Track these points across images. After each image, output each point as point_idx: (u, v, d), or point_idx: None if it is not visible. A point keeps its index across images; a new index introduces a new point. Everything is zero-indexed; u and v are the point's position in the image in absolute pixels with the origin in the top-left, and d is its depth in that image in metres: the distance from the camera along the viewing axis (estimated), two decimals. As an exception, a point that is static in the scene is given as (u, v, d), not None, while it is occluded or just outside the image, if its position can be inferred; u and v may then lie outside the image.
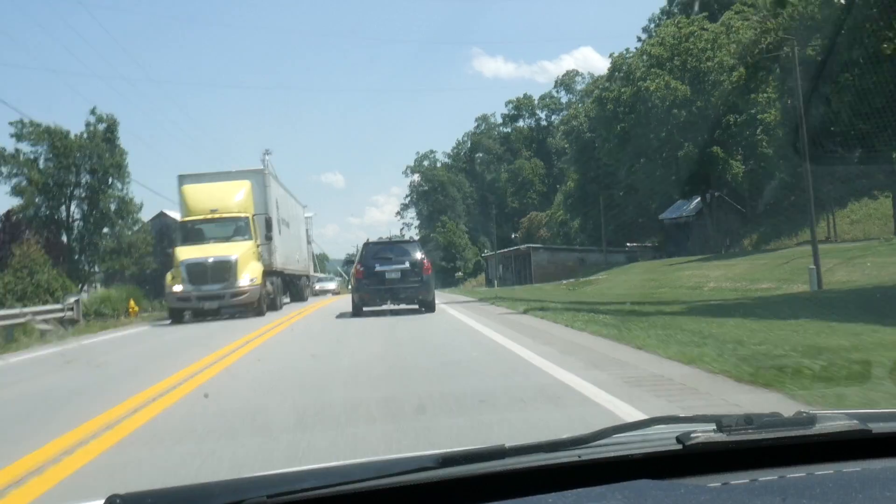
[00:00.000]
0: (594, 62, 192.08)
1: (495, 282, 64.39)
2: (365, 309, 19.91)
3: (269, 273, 24.95)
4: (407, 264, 19.89)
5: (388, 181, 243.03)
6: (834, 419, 1.85)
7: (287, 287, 31.47)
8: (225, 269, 22.51)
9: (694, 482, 1.65)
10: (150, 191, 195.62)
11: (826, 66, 34.58)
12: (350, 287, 27.31)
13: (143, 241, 53.99)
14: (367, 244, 21.98)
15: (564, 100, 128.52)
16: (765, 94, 53.11)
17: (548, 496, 1.50)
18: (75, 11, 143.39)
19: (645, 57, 60.80)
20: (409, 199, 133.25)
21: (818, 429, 1.81)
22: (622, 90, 60.27)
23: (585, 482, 1.58)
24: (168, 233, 54.12)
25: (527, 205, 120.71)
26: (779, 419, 1.89)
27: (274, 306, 25.41)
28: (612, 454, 1.74)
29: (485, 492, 1.56)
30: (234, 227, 24.43)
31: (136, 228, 54.59)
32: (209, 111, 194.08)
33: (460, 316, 17.08)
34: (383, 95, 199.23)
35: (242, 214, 24.70)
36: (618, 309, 16.36)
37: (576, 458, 1.69)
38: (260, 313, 22.99)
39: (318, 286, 56.19)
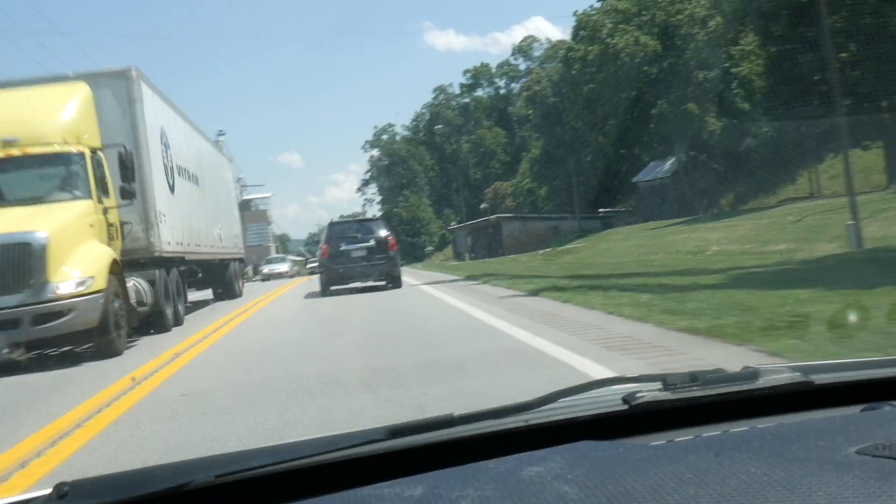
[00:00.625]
0: (546, 31, 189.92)
1: (466, 255, 61.35)
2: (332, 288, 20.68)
3: (135, 265, 14.14)
4: (372, 242, 20.30)
5: (346, 159, 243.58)
6: (777, 372, 1.87)
7: (205, 280, 22.66)
8: (19, 264, 10.91)
9: (637, 441, 1.65)
10: None
11: (813, 7, 31.78)
12: (316, 267, 27.04)
13: None
14: (331, 224, 22.78)
15: (523, 67, 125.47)
16: (738, 46, 50.55)
17: (489, 462, 1.48)
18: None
19: (611, 13, 57.89)
20: (369, 174, 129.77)
21: (761, 383, 1.82)
22: (588, 49, 57.34)
23: (533, 447, 1.55)
24: None
25: (490, 175, 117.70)
26: (723, 375, 1.90)
27: (162, 324, 14.56)
28: (558, 417, 1.74)
29: (434, 461, 1.52)
30: (47, 175, 12.48)
31: None
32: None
33: (459, 304, 13.27)
34: (337, 73, 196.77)
35: (67, 148, 12.42)
36: (641, 283, 13.50)
37: (522, 423, 1.69)
38: (112, 350, 11.41)
39: (266, 269, 51.64)
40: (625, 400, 1.75)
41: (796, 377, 1.85)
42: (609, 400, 1.80)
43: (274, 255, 64.17)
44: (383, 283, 20.99)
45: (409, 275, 31.04)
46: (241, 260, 26.86)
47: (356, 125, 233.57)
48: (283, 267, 54.40)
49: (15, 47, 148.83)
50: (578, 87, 59.89)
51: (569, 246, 49.13)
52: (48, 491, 1.42)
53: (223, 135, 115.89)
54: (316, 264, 69.91)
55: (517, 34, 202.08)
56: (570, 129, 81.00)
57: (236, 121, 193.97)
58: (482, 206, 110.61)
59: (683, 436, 1.67)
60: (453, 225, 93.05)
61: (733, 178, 61.35)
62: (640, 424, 1.75)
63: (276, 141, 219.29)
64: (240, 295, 25.09)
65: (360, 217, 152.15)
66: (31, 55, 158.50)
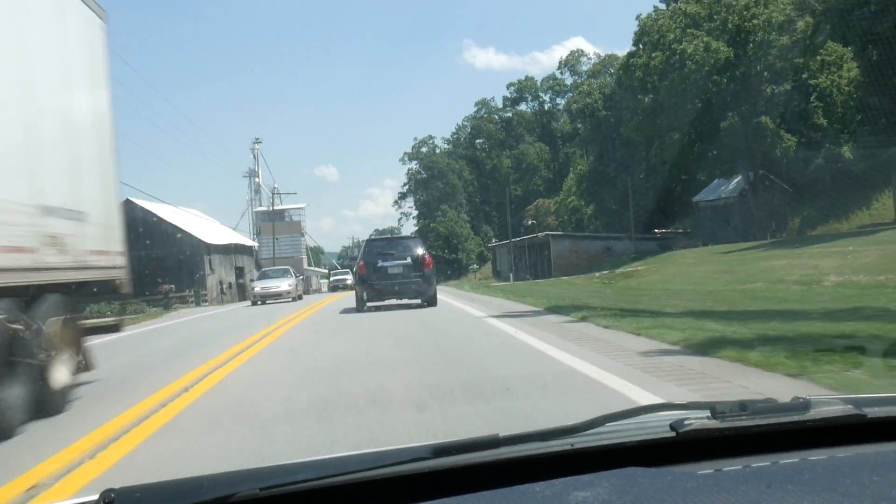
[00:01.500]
0: (586, 52, 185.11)
1: (510, 275, 56.54)
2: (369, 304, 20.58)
3: None
4: (409, 259, 20.33)
5: (382, 173, 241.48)
6: (829, 404, 1.81)
7: None
8: None
9: (685, 469, 1.63)
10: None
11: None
12: (353, 283, 25.87)
13: None
14: (369, 240, 23.39)
15: (569, 81, 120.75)
16: (819, 56, 45.46)
17: (536, 485, 1.47)
18: None
19: (678, 17, 52.99)
20: (406, 187, 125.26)
21: (813, 414, 1.77)
22: (652, 56, 52.45)
23: (578, 471, 1.55)
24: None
25: (531, 192, 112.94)
26: (773, 405, 1.85)
27: None
28: (605, 442, 1.72)
29: (478, 481, 1.53)
30: None
31: None
32: (199, 106, 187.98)
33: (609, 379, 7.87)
34: (376, 88, 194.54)
35: None
36: (855, 332, 8.72)
37: (568, 447, 1.67)
38: None
39: (258, 287, 38.94)
40: (672, 427, 1.70)
41: (849, 409, 1.78)
42: (656, 426, 1.75)
43: (273, 266, 48.91)
44: (418, 301, 20.94)
45: (456, 297, 26.44)
46: (115, 289, 9.82)
47: (393, 141, 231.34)
48: (282, 285, 38.59)
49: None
50: (638, 96, 55.01)
51: (626, 268, 44.13)
52: (95, 497, 1.40)
53: (259, 142, 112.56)
54: (339, 278, 60.17)
55: (557, 54, 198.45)
56: (622, 144, 76.09)
57: (273, 132, 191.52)
58: (524, 223, 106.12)
59: (732, 465, 1.63)
60: (493, 242, 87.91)
61: (801, 200, 56.13)
62: (687, 452, 1.71)
63: (312, 154, 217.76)
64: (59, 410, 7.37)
65: (397, 234, 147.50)
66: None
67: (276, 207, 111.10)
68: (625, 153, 75.34)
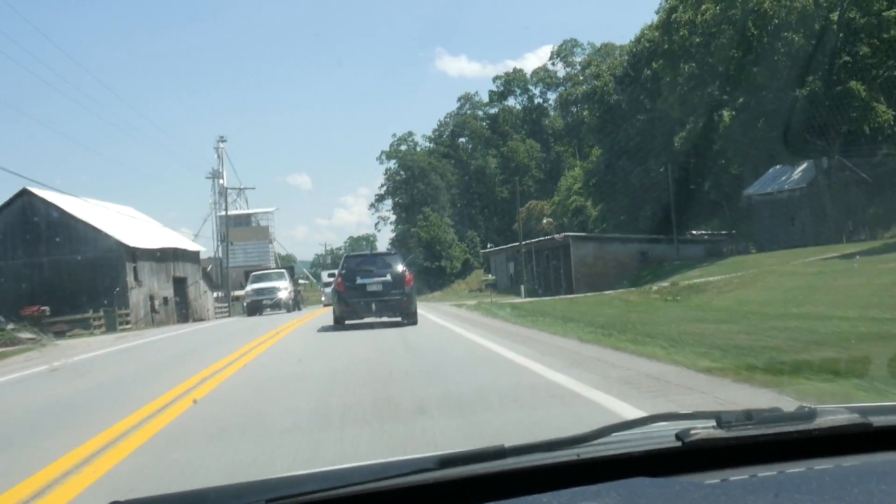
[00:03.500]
0: (580, 42, 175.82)
1: (521, 288, 44.35)
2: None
3: None
4: (388, 276, 19.73)
5: (355, 182, 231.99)
6: (835, 413, 1.79)
7: None
8: None
9: (691, 479, 1.61)
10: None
11: None
12: (331, 300, 23.82)
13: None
14: (347, 256, 23.03)
15: (562, 74, 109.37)
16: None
17: (543, 496, 1.46)
18: None
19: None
20: (384, 189, 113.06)
21: (818, 423, 1.74)
22: (703, 8, 40.88)
23: (585, 481, 1.54)
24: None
25: (521, 194, 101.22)
26: (779, 414, 1.82)
27: None
28: (611, 452, 1.70)
29: (485, 492, 1.52)
30: None
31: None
32: (167, 112, 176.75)
33: None
34: (348, 97, 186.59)
35: None
36: None
37: (574, 457, 1.65)
38: None
39: (251, 289, 35.38)
40: (678, 437, 1.68)
41: (854, 419, 1.76)
42: (661, 436, 1.74)
43: (268, 270, 43.79)
44: (398, 319, 19.48)
45: (466, 325, 15.49)
46: None
47: (364, 149, 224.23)
48: (279, 290, 34.63)
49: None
50: (679, 62, 43.47)
51: (688, 279, 32.41)
52: None
53: (224, 141, 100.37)
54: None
55: (530, 63, 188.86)
56: (638, 134, 64.58)
57: (245, 140, 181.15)
58: (513, 227, 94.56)
59: (738, 475, 1.61)
60: (490, 247, 75.83)
61: (878, 194, 44.70)
62: (693, 462, 1.69)
63: (285, 162, 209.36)
64: None
65: (373, 245, 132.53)
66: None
67: (242, 212, 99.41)
68: (639, 144, 63.90)
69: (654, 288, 30.33)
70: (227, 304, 56.35)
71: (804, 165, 42.70)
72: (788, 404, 4.81)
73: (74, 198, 39.69)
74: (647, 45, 63.67)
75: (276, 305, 33.81)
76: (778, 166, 44.11)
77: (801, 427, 1.73)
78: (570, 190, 79.97)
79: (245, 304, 35.40)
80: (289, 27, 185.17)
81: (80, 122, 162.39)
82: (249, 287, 36.18)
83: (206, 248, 59.40)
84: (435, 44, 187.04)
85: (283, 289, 34.89)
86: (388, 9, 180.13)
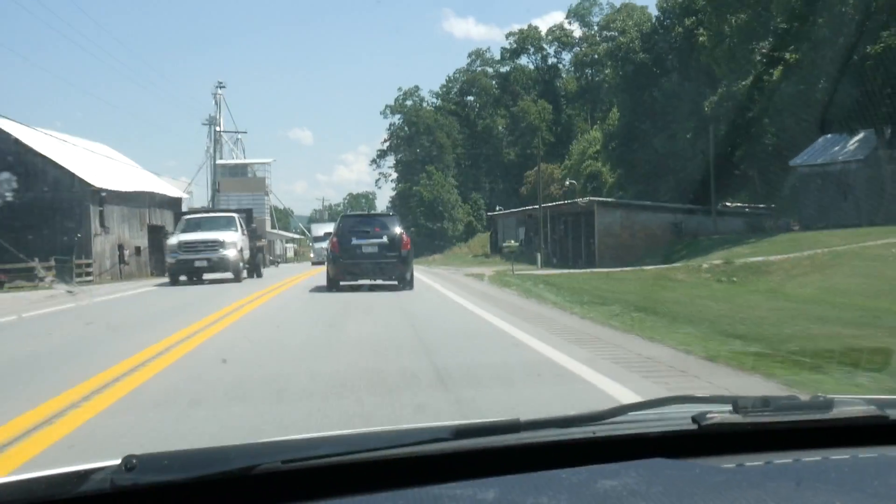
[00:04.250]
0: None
1: (537, 256, 39.24)
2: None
3: None
4: (385, 239, 19.07)
5: (357, 140, 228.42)
6: (852, 404, 1.77)
7: None
8: None
9: (708, 462, 1.60)
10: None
11: None
12: (323, 259, 23.54)
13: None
14: (343, 216, 22.99)
15: (578, 34, 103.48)
16: None
17: (561, 471, 1.47)
18: None
19: None
20: (387, 144, 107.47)
21: (835, 413, 1.72)
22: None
23: (599, 459, 1.54)
24: None
25: (530, 157, 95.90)
26: (796, 402, 1.80)
27: None
28: (627, 431, 1.69)
29: (498, 465, 1.50)
30: None
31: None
32: (170, 62, 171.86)
33: None
34: (352, 52, 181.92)
35: None
36: None
37: (590, 435, 1.64)
38: None
39: (175, 242, 24.02)
40: (695, 420, 1.67)
41: (871, 410, 1.74)
42: (678, 418, 1.72)
43: (210, 213, 31.42)
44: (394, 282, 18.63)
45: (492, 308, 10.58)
46: None
47: (367, 107, 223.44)
48: (224, 245, 23.56)
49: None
50: (727, 11, 38.23)
51: (738, 257, 27.54)
52: (117, 462, 1.38)
53: (223, 87, 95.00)
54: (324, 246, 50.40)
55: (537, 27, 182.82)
56: (665, 96, 59.37)
57: (246, 90, 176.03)
58: (520, 191, 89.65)
59: (753, 461, 1.60)
60: (499, 210, 70.67)
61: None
62: (708, 445, 1.68)
63: (286, 116, 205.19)
64: None
65: (372, 207, 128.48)
66: None
67: (238, 161, 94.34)
68: (667, 105, 58.66)
69: (705, 266, 25.42)
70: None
71: (861, 135, 37.59)
72: None
73: (35, 129, 34.53)
74: (681, -2, 58.48)
75: (218, 266, 23.54)
76: (828, 135, 38.94)
77: (818, 416, 1.70)
78: (584, 154, 74.83)
79: (167, 266, 24.60)
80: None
81: (82, 66, 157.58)
82: (175, 239, 24.47)
83: (200, 197, 54.47)
84: (441, 4, 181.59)
85: (231, 243, 23.87)
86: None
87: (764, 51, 38.27)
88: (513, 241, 29.24)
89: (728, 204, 44.48)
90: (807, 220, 39.22)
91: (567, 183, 57.08)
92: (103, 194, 34.16)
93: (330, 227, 37.90)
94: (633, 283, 21.38)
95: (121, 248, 36.50)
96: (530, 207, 54.00)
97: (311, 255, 63.32)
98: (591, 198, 45.59)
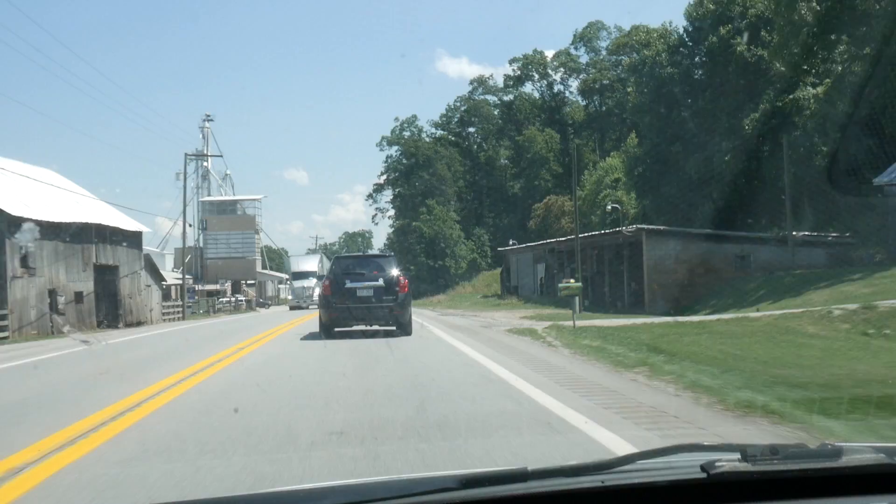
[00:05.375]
0: (606, 25, 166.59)
1: (575, 302, 31.52)
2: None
3: None
4: (381, 281, 18.07)
5: (352, 180, 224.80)
6: (860, 452, 1.71)
7: None
8: None
9: None
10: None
11: None
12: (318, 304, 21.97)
13: None
14: (337, 257, 21.81)
15: (584, 60, 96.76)
16: None
17: None
18: None
19: None
20: (384, 178, 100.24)
21: (844, 462, 1.68)
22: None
23: None
24: None
25: (536, 189, 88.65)
26: (804, 451, 1.76)
27: None
28: (636, 480, 1.62)
29: None
30: None
31: None
32: (160, 103, 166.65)
33: None
34: (348, 92, 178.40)
35: None
36: None
37: (598, 484, 1.58)
38: None
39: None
40: (703, 468, 1.63)
41: (881, 458, 1.68)
42: (687, 467, 1.69)
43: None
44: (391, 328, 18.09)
45: None
46: None
47: (363, 147, 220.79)
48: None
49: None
50: (796, 4, 31.00)
51: (864, 297, 20.08)
52: None
53: (211, 120, 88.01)
54: (303, 284, 48.91)
55: (542, 51, 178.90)
56: (695, 115, 52.14)
57: (242, 132, 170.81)
58: (527, 225, 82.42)
59: None
60: (512, 244, 62.94)
61: None
62: (716, 494, 1.64)
63: (280, 155, 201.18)
64: None
65: (368, 248, 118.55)
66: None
67: (226, 198, 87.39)
68: (701, 124, 51.36)
69: (837, 312, 17.87)
70: (181, 304, 43.76)
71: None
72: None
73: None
74: (713, 6, 51.59)
75: None
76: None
77: (827, 465, 1.66)
78: (600, 183, 67.45)
79: None
80: (285, 24, 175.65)
81: (75, 106, 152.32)
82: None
83: (176, 233, 46.85)
84: (434, 45, 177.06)
85: None
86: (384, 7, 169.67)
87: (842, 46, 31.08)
88: (572, 281, 21.61)
89: (806, 233, 36.77)
90: (894, 249, 31.79)
91: (609, 208, 49.15)
92: (26, 225, 26.45)
93: (314, 262, 33.33)
94: (752, 339, 14.14)
95: (52, 293, 28.74)
96: (557, 240, 46.24)
97: (289, 297, 55.49)
98: (640, 225, 37.82)
